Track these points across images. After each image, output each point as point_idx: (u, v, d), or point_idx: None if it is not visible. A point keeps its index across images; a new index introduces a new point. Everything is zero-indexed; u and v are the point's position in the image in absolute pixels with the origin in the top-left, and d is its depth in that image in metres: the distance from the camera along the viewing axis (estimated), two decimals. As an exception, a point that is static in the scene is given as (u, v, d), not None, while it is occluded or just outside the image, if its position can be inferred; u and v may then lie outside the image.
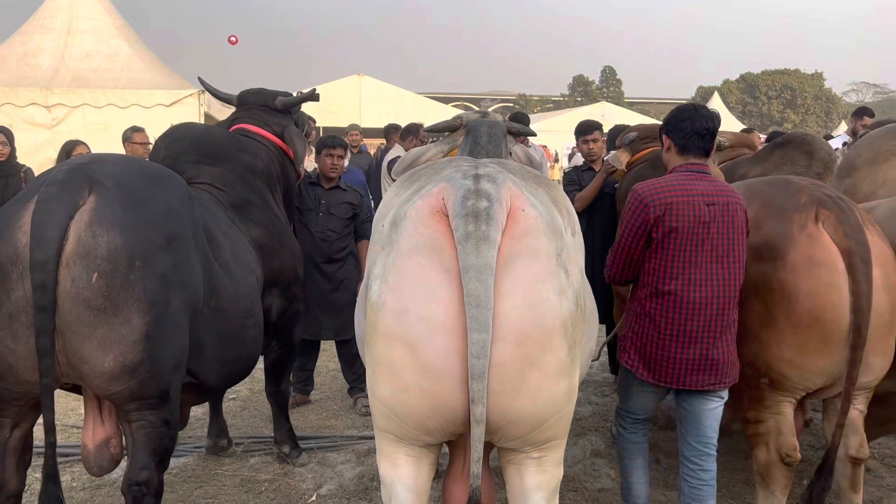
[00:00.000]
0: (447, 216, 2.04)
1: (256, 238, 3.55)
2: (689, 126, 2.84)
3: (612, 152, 4.73)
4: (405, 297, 1.97)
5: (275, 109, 4.08)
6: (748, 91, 55.50)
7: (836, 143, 6.47)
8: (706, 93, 51.22)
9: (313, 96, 4.32)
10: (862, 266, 2.65)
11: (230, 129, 3.99)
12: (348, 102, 26.77)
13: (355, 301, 4.79)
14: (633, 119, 29.14)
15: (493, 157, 2.85)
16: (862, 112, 7.24)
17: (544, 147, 24.46)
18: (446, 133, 3.33)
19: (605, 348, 5.33)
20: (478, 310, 1.87)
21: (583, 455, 4.19)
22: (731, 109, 42.35)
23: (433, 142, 3.47)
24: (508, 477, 2.21)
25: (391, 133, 8.47)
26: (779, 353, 2.78)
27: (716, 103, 36.97)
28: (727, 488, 3.82)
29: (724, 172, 4.17)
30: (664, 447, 4.37)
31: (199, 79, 4.84)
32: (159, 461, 2.58)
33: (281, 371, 4.13)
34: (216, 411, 4.27)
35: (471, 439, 1.92)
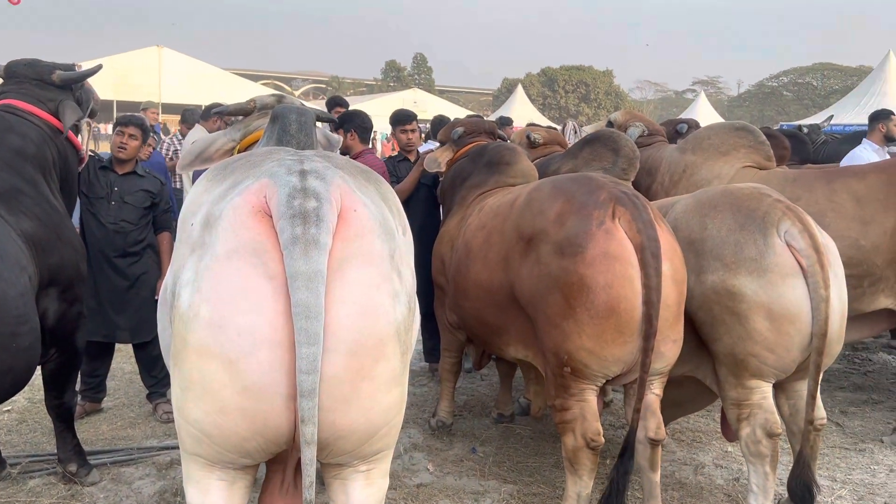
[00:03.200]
0: (270, 217, 1.85)
1: (28, 232, 3.13)
2: None
3: (431, 154, 4.71)
4: (223, 307, 1.77)
5: (51, 84, 3.57)
6: (548, 84, 58.87)
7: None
8: (511, 84, 53.66)
9: (97, 70, 3.85)
10: (652, 260, 2.83)
11: None
12: (145, 76, 24.85)
13: (154, 299, 4.45)
14: (445, 106, 29.88)
15: (304, 146, 2.64)
16: (889, 113, 7.10)
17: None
18: (239, 118, 3.09)
19: (420, 336, 5.38)
20: (307, 321, 1.72)
21: (401, 450, 4.17)
22: (532, 101, 44.74)
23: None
24: (333, 493, 2.08)
25: (188, 119, 7.79)
26: (579, 342, 2.91)
27: (519, 95, 38.91)
28: (539, 473, 3.98)
29: (538, 168, 4.32)
30: (480, 435, 4.47)
31: None
32: None
33: (63, 381, 3.65)
34: None
35: (302, 462, 1.76)
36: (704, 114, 32.18)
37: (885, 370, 5.93)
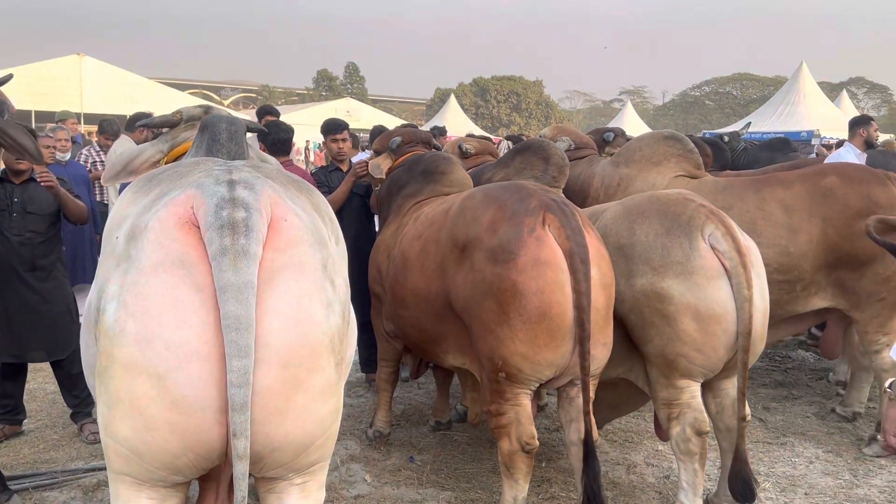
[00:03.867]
0: (198, 228, 1.82)
1: None
2: None
3: (374, 160, 4.70)
4: (150, 321, 1.73)
5: None
6: (480, 94, 59.54)
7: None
8: (444, 94, 54.00)
9: (7, 80, 3.66)
10: (581, 266, 2.90)
11: None
12: (66, 85, 23.96)
13: (69, 314, 4.28)
14: (378, 115, 29.85)
15: (235, 156, 2.60)
16: (868, 119, 7.31)
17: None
18: (166, 129, 3.03)
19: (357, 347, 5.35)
20: (237, 334, 1.70)
21: (338, 461, 4.13)
22: (465, 111, 45.12)
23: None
24: None
25: (106, 129, 7.51)
26: (513, 347, 2.96)
27: (452, 105, 39.17)
28: (476, 478, 4.01)
29: (472, 177, 4.37)
30: (417, 444, 4.47)
31: None
32: None
33: None
34: None
35: (234, 477, 1.73)
36: (631, 123, 33.15)
37: (803, 366, 6.21)
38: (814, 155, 8.58)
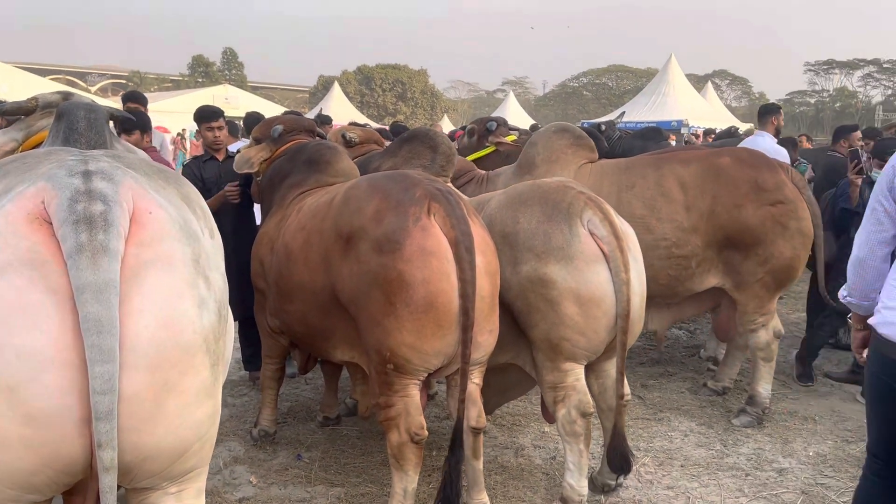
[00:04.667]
0: (50, 224, 1.66)
1: None
2: None
3: (242, 154, 4.50)
4: (3, 327, 1.58)
5: None
6: (365, 83, 59.06)
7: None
8: (327, 82, 53.17)
9: None
10: (466, 255, 2.90)
11: None
12: None
13: None
14: (259, 103, 28.93)
15: (95, 146, 2.39)
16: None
17: (165, 130, 22.91)
18: (20, 117, 2.79)
19: (238, 343, 5.15)
20: (99, 337, 1.57)
21: (220, 464, 3.96)
22: (350, 99, 44.64)
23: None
24: None
25: None
26: (400, 338, 2.93)
27: (336, 93, 38.62)
28: (366, 472, 3.95)
29: (358, 167, 4.28)
30: (305, 441, 4.36)
31: None
32: None
33: None
34: None
35: (100, 491, 1.60)
36: (514, 112, 33.91)
37: (677, 344, 6.56)
38: (684, 143, 9.05)
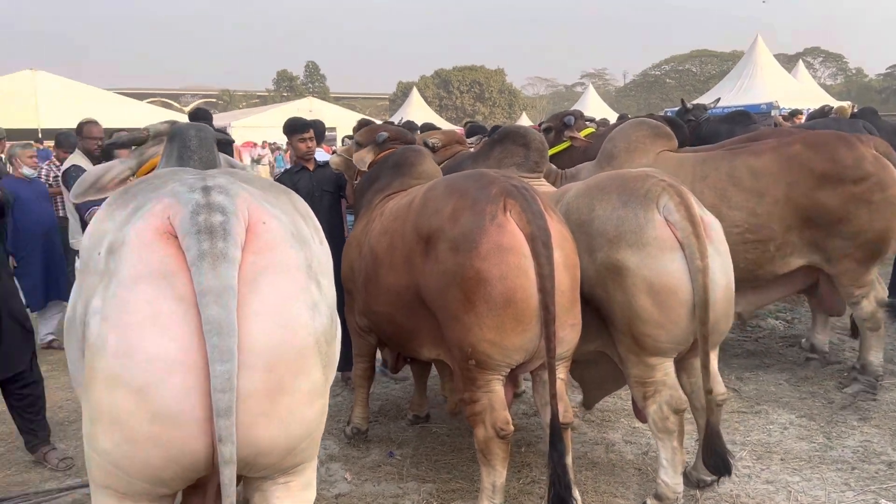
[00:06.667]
0: (176, 237, 1.82)
1: None
2: None
3: (359, 153, 4.64)
4: (130, 334, 1.73)
5: None
6: (443, 86, 59.47)
7: None
8: (406, 88, 53.83)
9: None
10: (544, 249, 2.91)
11: None
12: (22, 101, 23.40)
13: (20, 327, 4.15)
14: (341, 113, 29.64)
15: (206, 162, 2.67)
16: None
17: (253, 145, 23.75)
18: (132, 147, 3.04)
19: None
20: (219, 338, 1.70)
21: (317, 461, 4.09)
22: (429, 104, 45.02)
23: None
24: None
25: (63, 143, 7.41)
26: (481, 334, 2.96)
27: (415, 98, 39.07)
28: (457, 469, 4.00)
29: (451, 170, 4.35)
30: (396, 439, 4.45)
31: None
32: None
33: None
34: None
35: (221, 483, 1.73)
36: (594, 105, 33.38)
37: (773, 335, 6.31)
38: (772, 125, 8.68)
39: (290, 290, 1.88)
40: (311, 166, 5.40)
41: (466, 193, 3.12)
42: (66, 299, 5.16)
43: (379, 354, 4.48)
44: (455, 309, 3.01)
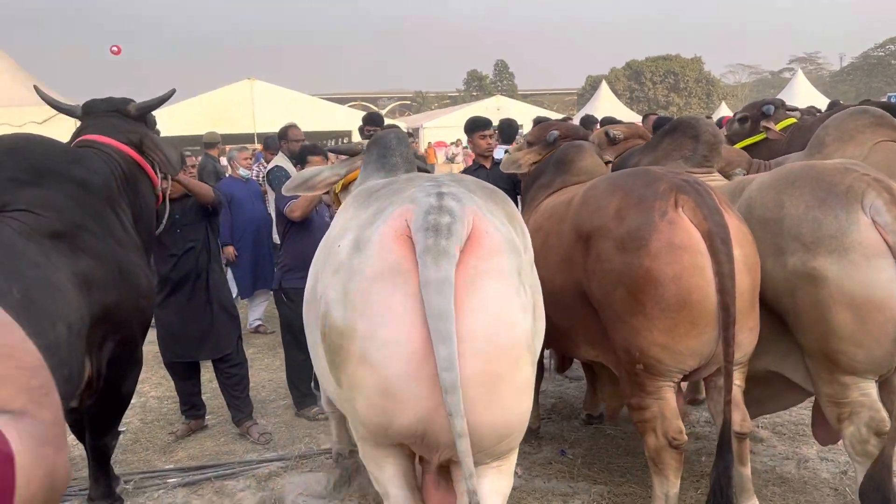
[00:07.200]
0: (410, 238, 2.06)
1: (84, 271, 2.86)
2: None
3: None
4: (374, 321, 2.02)
5: (127, 116, 3.64)
6: (634, 78, 57.49)
7: None
8: (595, 81, 52.75)
9: (169, 96, 3.91)
10: (723, 247, 2.71)
11: (74, 143, 3.53)
12: (240, 108, 26.02)
13: (228, 313, 4.66)
14: (529, 110, 29.68)
15: (406, 158, 3.02)
16: None
17: (447, 144, 24.57)
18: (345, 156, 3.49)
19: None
20: (440, 322, 1.90)
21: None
22: (619, 96, 43.79)
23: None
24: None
25: (270, 145, 8.06)
26: (651, 338, 2.82)
27: (604, 91, 38.18)
28: (630, 473, 3.89)
29: (619, 163, 4.24)
30: (568, 437, 4.42)
31: (35, 87, 4.18)
32: None
33: (105, 425, 3.47)
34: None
35: (458, 453, 1.94)
36: (803, 93, 30.50)
37: None
38: None
39: (506, 292, 2.08)
40: (488, 164, 5.49)
41: (631, 191, 2.99)
42: (271, 288, 5.69)
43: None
44: (621, 310, 2.90)
